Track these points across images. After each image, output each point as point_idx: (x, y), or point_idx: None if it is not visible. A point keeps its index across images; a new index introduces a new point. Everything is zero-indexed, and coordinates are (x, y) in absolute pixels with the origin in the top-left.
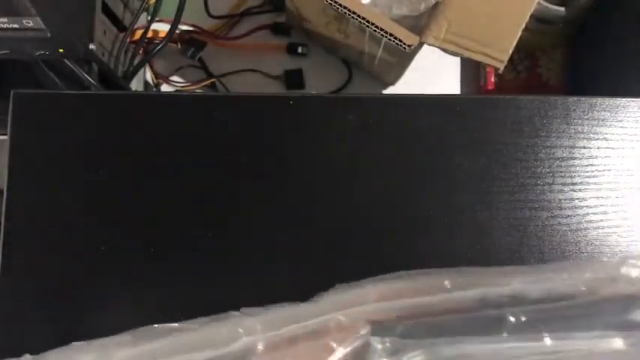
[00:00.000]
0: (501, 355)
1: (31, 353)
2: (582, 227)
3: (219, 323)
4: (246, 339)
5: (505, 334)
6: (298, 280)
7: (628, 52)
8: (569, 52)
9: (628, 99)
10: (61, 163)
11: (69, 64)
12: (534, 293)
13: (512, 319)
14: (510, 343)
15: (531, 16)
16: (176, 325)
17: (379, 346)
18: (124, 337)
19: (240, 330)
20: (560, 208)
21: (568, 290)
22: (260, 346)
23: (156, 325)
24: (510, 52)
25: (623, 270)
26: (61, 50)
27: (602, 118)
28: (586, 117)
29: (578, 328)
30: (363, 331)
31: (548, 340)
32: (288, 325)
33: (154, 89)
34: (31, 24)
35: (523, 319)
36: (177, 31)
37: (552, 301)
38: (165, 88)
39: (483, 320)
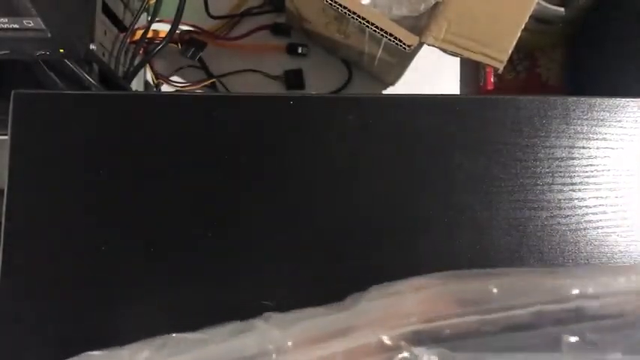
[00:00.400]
0: None
1: (33, 355)
2: (581, 227)
3: (245, 335)
4: (276, 357)
5: (562, 353)
6: (298, 280)
7: (628, 52)
8: (568, 52)
9: (627, 99)
10: (61, 163)
11: (69, 64)
12: (593, 309)
13: (570, 338)
14: None
15: (531, 16)
16: (196, 335)
17: (425, 358)
18: (141, 347)
19: (270, 346)
20: (560, 208)
21: (629, 306)
22: None
23: (174, 335)
24: (510, 52)
25: None
26: (61, 50)
27: (602, 118)
28: (585, 117)
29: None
30: (406, 346)
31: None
32: (321, 340)
33: (155, 89)
34: (31, 24)
35: (580, 337)
36: (177, 32)
37: (613, 318)
38: (165, 88)
39: (538, 337)
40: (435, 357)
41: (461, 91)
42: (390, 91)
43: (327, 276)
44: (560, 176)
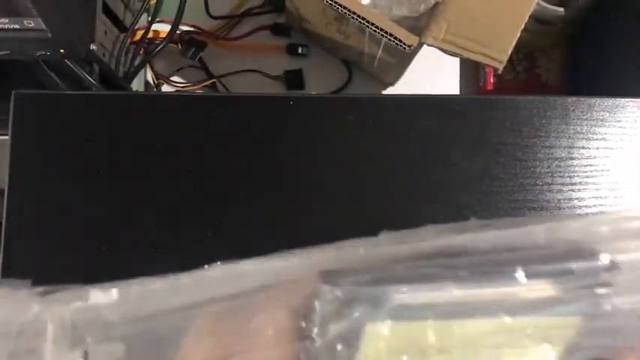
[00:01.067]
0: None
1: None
2: None
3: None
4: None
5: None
6: None
7: (628, 52)
8: (568, 53)
9: (627, 99)
10: (61, 163)
11: (70, 64)
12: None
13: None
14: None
15: (530, 16)
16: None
17: (329, 296)
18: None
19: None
20: (559, 208)
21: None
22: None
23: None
24: (509, 52)
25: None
26: (62, 51)
27: (601, 118)
28: (585, 117)
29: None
30: (314, 282)
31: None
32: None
33: (155, 90)
34: (32, 24)
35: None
36: (177, 32)
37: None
38: (165, 88)
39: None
40: (339, 293)
41: (461, 91)
42: (390, 91)
43: None
44: (560, 176)
